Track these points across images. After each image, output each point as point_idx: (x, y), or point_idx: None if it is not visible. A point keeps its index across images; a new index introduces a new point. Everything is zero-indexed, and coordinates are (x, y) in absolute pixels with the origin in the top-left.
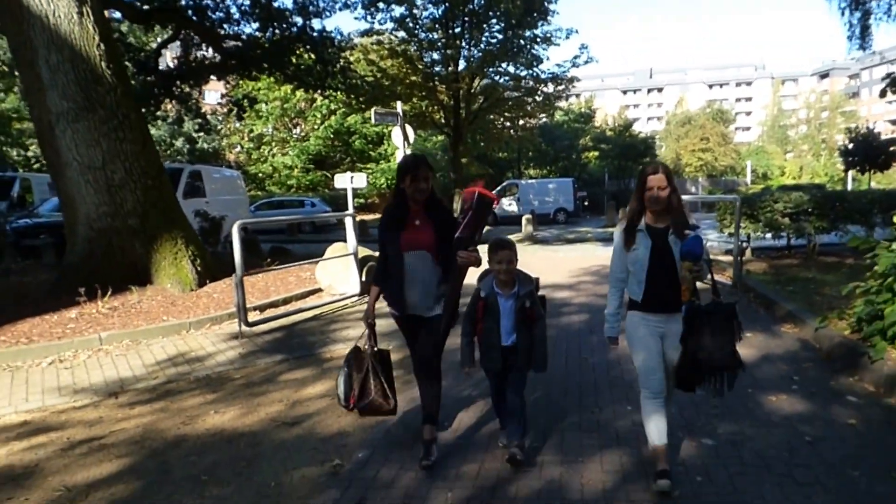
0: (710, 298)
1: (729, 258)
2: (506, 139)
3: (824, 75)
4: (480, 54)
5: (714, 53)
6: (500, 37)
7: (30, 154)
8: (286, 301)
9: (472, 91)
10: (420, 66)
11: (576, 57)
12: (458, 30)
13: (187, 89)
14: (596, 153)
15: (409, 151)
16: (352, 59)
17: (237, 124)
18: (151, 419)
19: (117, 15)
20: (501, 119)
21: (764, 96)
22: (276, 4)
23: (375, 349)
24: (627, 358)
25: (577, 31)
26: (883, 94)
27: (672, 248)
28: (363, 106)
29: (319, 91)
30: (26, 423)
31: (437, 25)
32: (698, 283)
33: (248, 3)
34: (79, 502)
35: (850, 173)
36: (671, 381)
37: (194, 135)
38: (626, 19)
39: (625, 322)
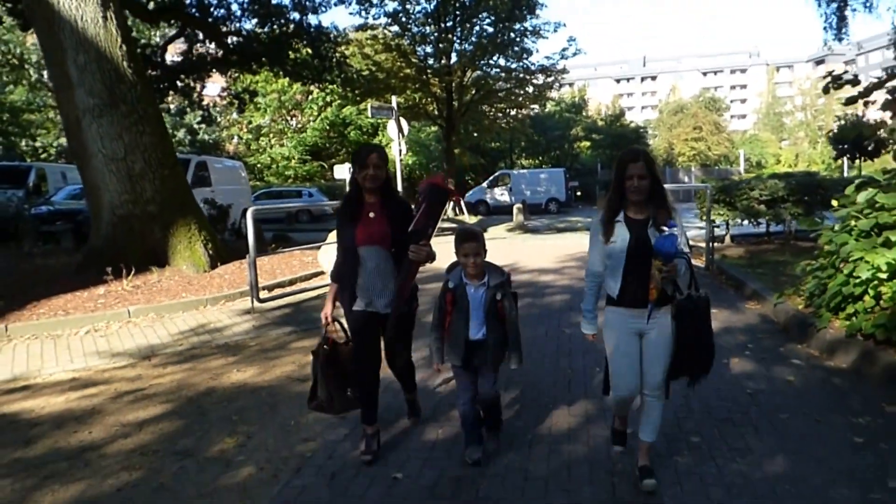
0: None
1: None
2: (497, 130)
3: (819, 62)
4: (472, 47)
5: (708, 41)
6: (491, 30)
7: (37, 144)
8: (292, 282)
9: (464, 83)
10: (413, 60)
11: (564, 49)
12: (449, 24)
13: (191, 83)
14: (588, 143)
15: (403, 143)
16: (347, 53)
17: (235, 116)
18: (183, 376)
19: (125, 13)
20: (493, 110)
21: (759, 83)
22: (274, 1)
23: (328, 349)
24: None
25: (564, 25)
26: (826, 90)
27: (651, 242)
28: (359, 98)
29: (317, 84)
30: (75, 379)
31: (429, 20)
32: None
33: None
34: (134, 435)
35: (846, 161)
36: (650, 372)
37: (196, 126)
38: (620, 7)
39: (602, 318)
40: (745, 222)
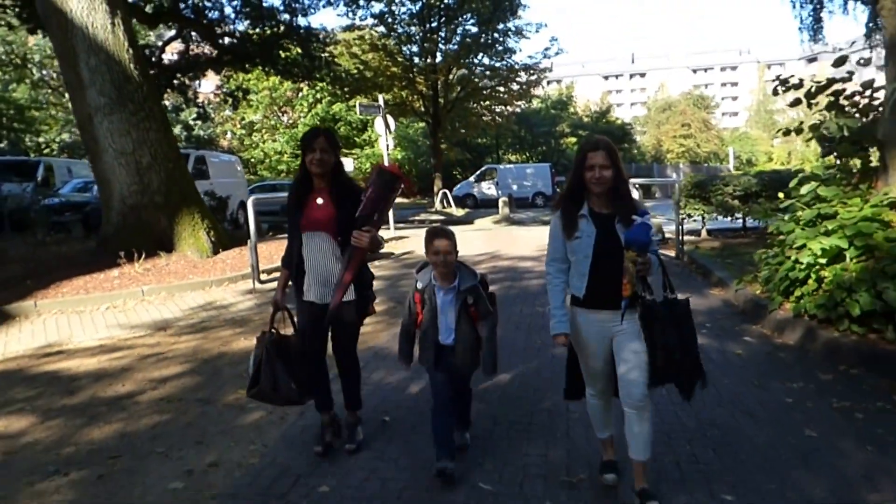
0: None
1: (687, 238)
2: (483, 126)
3: (812, 59)
4: (456, 47)
5: (698, 39)
6: (475, 30)
7: (40, 140)
8: None
9: (450, 81)
10: (399, 59)
11: (546, 48)
12: (434, 24)
13: (186, 81)
14: (574, 139)
15: (391, 140)
16: (335, 52)
17: (228, 112)
18: (197, 343)
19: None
20: (478, 107)
21: (750, 81)
22: (265, 4)
23: (274, 335)
24: None
25: (546, 25)
26: (775, 92)
27: (619, 238)
28: (347, 96)
29: (307, 82)
30: (102, 345)
31: (414, 20)
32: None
33: (240, 2)
34: (160, 388)
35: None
36: (629, 378)
37: (191, 122)
38: (609, 5)
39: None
40: (727, 218)
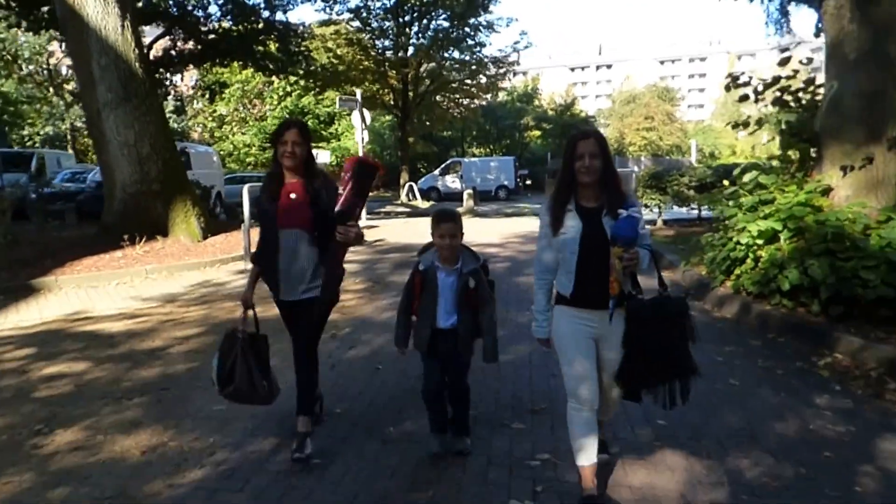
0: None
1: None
2: (450, 119)
3: (784, 49)
4: (428, 42)
5: (667, 29)
6: (447, 24)
7: (24, 133)
8: None
9: (420, 75)
10: (372, 53)
11: (516, 42)
12: (407, 18)
13: (168, 76)
14: (538, 132)
15: (366, 134)
16: (311, 47)
17: (198, 105)
18: (205, 312)
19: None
20: (446, 100)
21: (720, 72)
22: (248, 1)
23: (247, 334)
24: (528, 266)
25: (517, 20)
26: (727, 88)
27: (606, 232)
28: (318, 89)
29: (283, 76)
30: (123, 313)
31: (388, 15)
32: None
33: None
34: (185, 343)
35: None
36: (612, 390)
37: (167, 115)
38: None
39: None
40: (683, 208)
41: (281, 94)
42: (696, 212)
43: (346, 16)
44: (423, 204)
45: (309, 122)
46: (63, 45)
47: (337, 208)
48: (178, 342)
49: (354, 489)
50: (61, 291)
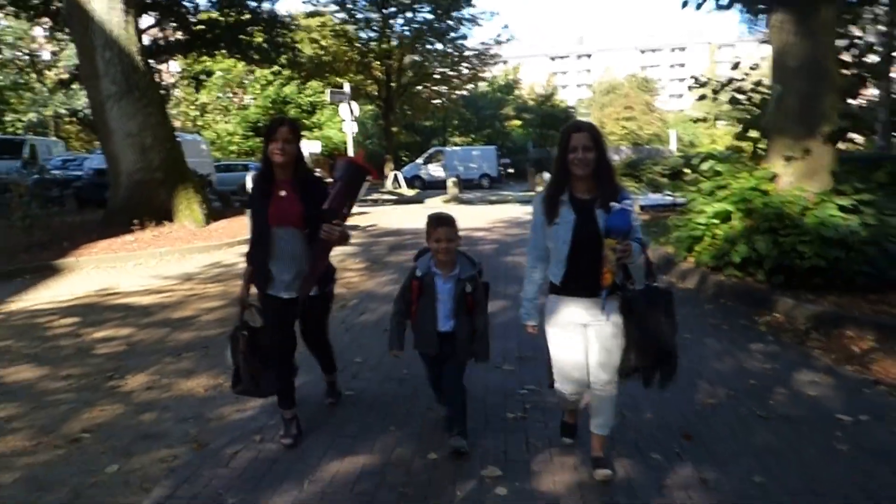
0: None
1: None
2: (432, 109)
3: (765, 41)
4: (411, 33)
5: (648, 19)
6: (431, 17)
7: (7, 119)
8: None
9: (403, 66)
10: (357, 45)
11: (498, 35)
12: (393, 9)
13: (157, 65)
14: (519, 122)
15: (355, 125)
16: (297, 38)
17: (179, 93)
18: (223, 288)
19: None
20: (428, 91)
21: (700, 63)
22: None
23: (246, 333)
24: (514, 247)
25: (498, 13)
26: (690, 88)
27: (599, 224)
28: (302, 80)
29: (268, 65)
30: (147, 290)
31: (373, 7)
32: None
33: None
34: (211, 314)
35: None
36: (600, 375)
37: None
38: None
39: (544, 307)
40: (659, 195)
41: (263, 83)
42: (671, 198)
43: (332, 7)
44: (409, 192)
45: (291, 112)
46: (47, 30)
47: (325, 206)
48: (205, 312)
49: (385, 412)
50: (83, 271)
